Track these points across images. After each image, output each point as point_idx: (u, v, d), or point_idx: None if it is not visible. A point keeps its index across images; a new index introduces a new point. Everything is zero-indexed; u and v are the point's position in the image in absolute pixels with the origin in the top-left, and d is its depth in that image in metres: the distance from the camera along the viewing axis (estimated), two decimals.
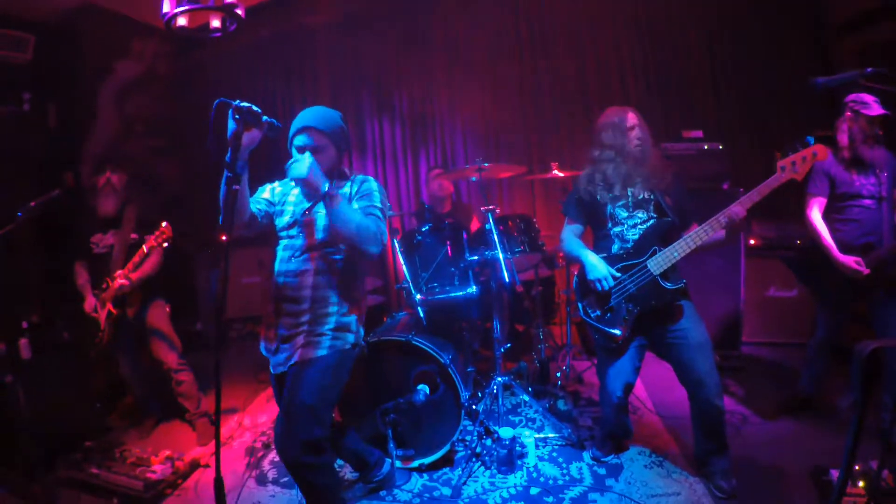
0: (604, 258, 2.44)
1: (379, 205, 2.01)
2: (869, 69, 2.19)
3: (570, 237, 2.61)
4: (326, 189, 1.82)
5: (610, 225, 2.46)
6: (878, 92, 2.49)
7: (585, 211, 2.56)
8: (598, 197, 2.46)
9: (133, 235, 3.16)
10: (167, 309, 3.35)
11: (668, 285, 2.32)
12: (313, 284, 2.00)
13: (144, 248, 2.98)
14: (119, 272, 3.04)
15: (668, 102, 4.88)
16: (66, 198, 3.09)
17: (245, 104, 1.70)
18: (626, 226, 2.43)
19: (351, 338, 2.06)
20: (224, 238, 1.76)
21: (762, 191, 2.19)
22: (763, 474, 2.57)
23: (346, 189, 2.06)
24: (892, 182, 2.74)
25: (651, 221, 2.39)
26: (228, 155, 1.71)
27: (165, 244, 2.98)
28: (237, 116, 1.70)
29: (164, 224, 2.95)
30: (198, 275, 5.43)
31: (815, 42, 4.64)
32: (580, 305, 2.54)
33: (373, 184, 2.08)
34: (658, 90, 4.94)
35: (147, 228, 3.09)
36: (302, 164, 1.82)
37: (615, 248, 2.44)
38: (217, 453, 1.65)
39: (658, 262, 2.32)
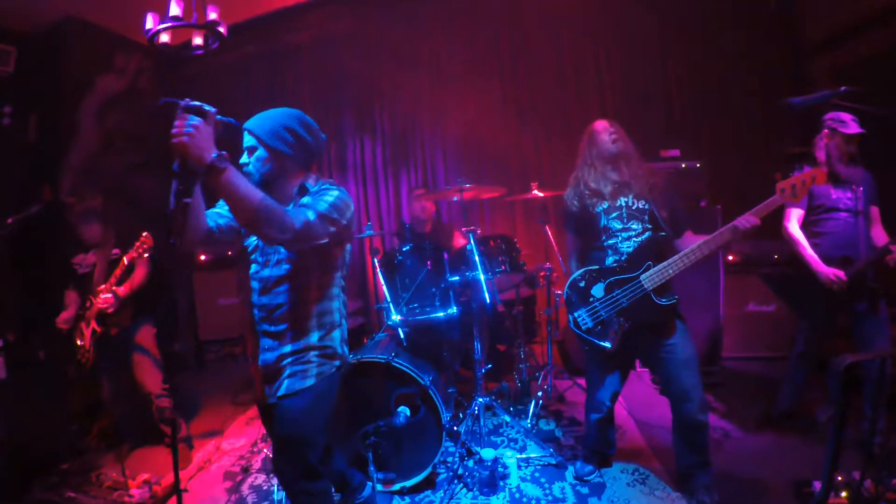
0: (597, 270, 2.43)
1: (324, 204, 1.73)
2: (843, 88, 2.24)
3: (574, 260, 2.63)
4: (212, 158, 1.45)
5: (604, 238, 2.44)
6: (853, 111, 2.56)
7: (580, 224, 2.54)
8: (590, 208, 2.45)
9: (115, 251, 3.13)
10: (153, 331, 3.30)
11: (662, 301, 2.32)
12: (290, 318, 1.86)
13: (125, 259, 2.95)
14: (102, 287, 3.00)
15: (648, 121, 4.94)
16: (45, 213, 3.06)
17: (195, 102, 1.47)
18: (620, 238, 2.41)
19: (337, 361, 1.97)
20: (179, 259, 1.59)
21: (761, 211, 2.20)
22: (745, 488, 2.59)
23: (306, 200, 1.80)
24: (868, 197, 2.80)
25: (646, 234, 2.38)
26: (176, 163, 1.47)
27: (146, 255, 2.95)
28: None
29: (144, 234, 2.93)
30: (176, 295, 5.36)
31: (792, 59, 4.76)
32: (571, 318, 2.52)
33: (332, 189, 1.82)
34: (637, 109, 5.00)
35: (128, 243, 3.07)
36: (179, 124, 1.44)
37: (609, 260, 2.43)
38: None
39: (651, 278, 2.30)
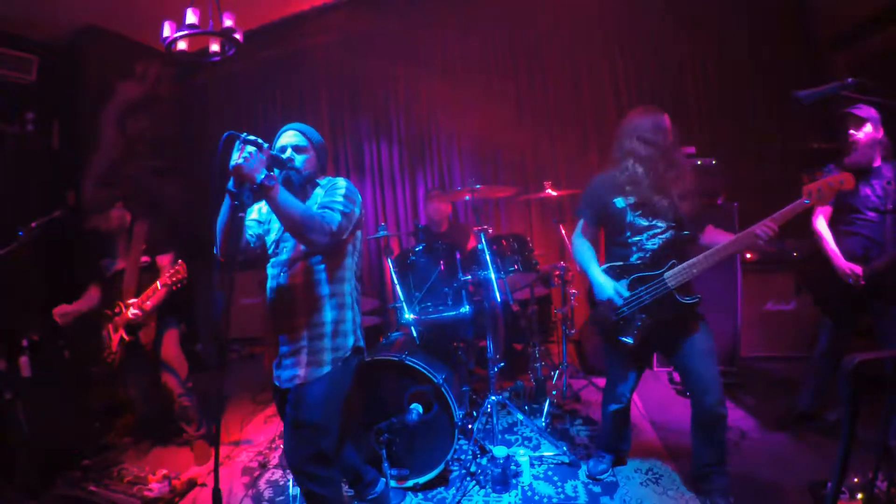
0: (620, 266, 2.40)
1: (340, 199, 2.01)
2: (850, 80, 2.21)
3: (583, 246, 2.53)
4: (262, 178, 1.77)
5: (629, 234, 2.39)
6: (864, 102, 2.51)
7: (602, 215, 2.48)
8: (618, 202, 2.39)
9: (144, 259, 3.17)
10: (177, 331, 3.33)
11: (687, 300, 2.30)
12: (305, 297, 2.02)
13: (158, 284, 3.01)
14: (134, 302, 3.04)
15: None
16: (68, 217, 3.13)
17: (252, 137, 1.78)
18: (644, 235, 2.37)
19: (350, 343, 2.07)
20: (225, 262, 1.86)
21: (786, 215, 2.17)
22: (762, 490, 2.55)
23: (318, 191, 2.11)
24: None
25: (669, 233, 2.35)
26: (231, 183, 1.79)
27: (179, 285, 3.01)
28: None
29: (180, 262, 3.01)
30: (198, 296, 5.43)
31: (809, 55, 4.68)
32: (593, 312, 2.53)
33: (340, 181, 2.10)
34: (652, 105, 4.95)
35: (156, 248, 3.14)
36: (237, 152, 1.78)
37: (634, 257, 2.39)
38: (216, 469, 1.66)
39: (675, 276, 2.28)
